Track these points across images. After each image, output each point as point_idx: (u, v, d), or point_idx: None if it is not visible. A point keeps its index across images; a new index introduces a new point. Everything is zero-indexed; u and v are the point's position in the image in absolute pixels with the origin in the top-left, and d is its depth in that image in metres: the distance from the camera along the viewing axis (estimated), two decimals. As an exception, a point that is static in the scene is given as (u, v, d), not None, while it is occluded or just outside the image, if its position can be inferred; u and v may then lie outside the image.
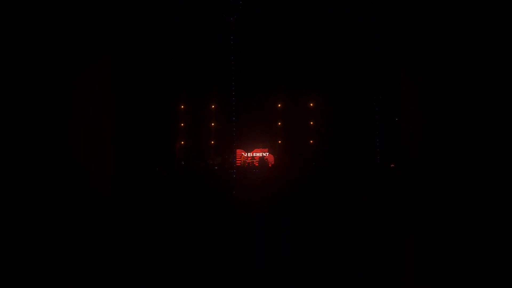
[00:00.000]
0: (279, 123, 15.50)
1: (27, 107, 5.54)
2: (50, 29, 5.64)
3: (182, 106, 15.21)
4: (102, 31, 5.87)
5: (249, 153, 15.77)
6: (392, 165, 13.05)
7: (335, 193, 12.02)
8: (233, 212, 10.72)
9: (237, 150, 15.59)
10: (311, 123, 15.47)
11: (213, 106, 15.39)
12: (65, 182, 5.61)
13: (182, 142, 15.25)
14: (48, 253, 5.38)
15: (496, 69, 4.68)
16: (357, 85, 14.10)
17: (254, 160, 15.48)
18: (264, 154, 15.79)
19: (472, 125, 4.93)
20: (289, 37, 14.15)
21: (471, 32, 4.77)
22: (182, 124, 15.29)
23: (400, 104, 5.41)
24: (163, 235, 7.60)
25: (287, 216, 10.38)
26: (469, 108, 4.93)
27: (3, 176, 5.39)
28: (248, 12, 14.05)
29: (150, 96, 13.31)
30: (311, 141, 15.46)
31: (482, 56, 4.75)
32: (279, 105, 15.52)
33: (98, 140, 5.83)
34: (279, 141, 15.67)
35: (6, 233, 5.30)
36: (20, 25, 5.59)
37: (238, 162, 15.14)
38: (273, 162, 15.52)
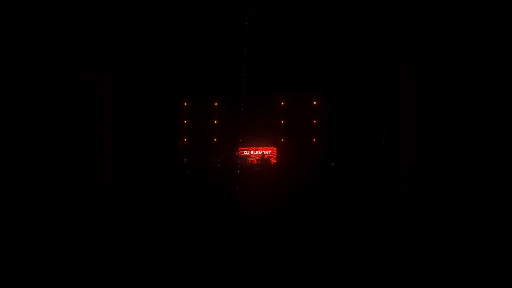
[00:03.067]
0: (282, 122, 15.47)
1: (27, 107, 5.54)
2: (51, 29, 5.64)
3: (185, 104, 15.23)
4: (102, 30, 5.87)
5: (251, 151, 15.77)
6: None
7: (338, 192, 11.99)
8: (236, 210, 10.71)
9: (241, 148, 15.57)
10: (314, 121, 15.43)
11: (216, 104, 15.39)
12: (65, 181, 5.63)
13: (185, 140, 15.27)
14: (48, 253, 5.39)
15: (496, 70, 4.64)
16: (363, 84, 14.07)
17: (254, 159, 15.47)
18: (266, 153, 15.77)
19: (473, 124, 4.91)
20: (294, 36, 14.11)
21: (471, 33, 4.75)
22: (185, 122, 15.31)
23: (400, 103, 5.40)
24: (164, 235, 7.59)
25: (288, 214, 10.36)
26: (469, 107, 4.91)
27: (3, 176, 5.40)
28: (252, 12, 14.01)
29: (152, 95, 13.31)
30: (314, 140, 15.43)
31: (482, 57, 4.73)
32: (283, 104, 15.49)
33: (98, 139, 5.84)
34: (282, 140, 15.64)
35: (6, 233, 5.31)
36: (21, 25, 5.59)
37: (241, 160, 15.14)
38: (275, 160, 15.50)
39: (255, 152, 15.73)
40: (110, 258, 5.72)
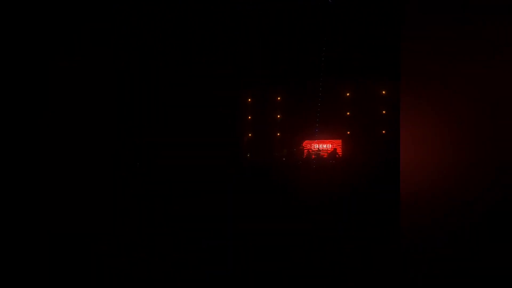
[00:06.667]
0: (348, 113, 14.80)
1: (28, 106, 5.64)
2: (52, 25, 5.71)
3: (249, 100, 15.05)
4: (104, 28, 5.88)
5: (316, 145, 15.27)
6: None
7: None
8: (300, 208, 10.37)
9: (305, 141, 15.15)
10: (384, 112, 14.58)
11: (278, 98, 15.08)
12: (65, 180, 5.70)
13: (250, 135, 15.16)
14: (47, 253, 5.48)
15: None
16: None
17: (320, 152, 14.95)
18: (325, 146, 15.21)
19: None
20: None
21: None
22: (249, 117, 15.19)
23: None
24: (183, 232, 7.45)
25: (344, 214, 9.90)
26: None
27: (2, 175, 5.54)
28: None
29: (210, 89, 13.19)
30: (383, 132, 14.59)
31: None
32: (348, 94, 14.81)
33: (99, 137, 5.86)
34: (348, 132, 14.97)
35: (6, 233, 5.43)
36: (22, 24, 5.71)
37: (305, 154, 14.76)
38: (340, 154, 14.86)
39: (319, 146, 15.22)
40: (112, 257, 5.71)
